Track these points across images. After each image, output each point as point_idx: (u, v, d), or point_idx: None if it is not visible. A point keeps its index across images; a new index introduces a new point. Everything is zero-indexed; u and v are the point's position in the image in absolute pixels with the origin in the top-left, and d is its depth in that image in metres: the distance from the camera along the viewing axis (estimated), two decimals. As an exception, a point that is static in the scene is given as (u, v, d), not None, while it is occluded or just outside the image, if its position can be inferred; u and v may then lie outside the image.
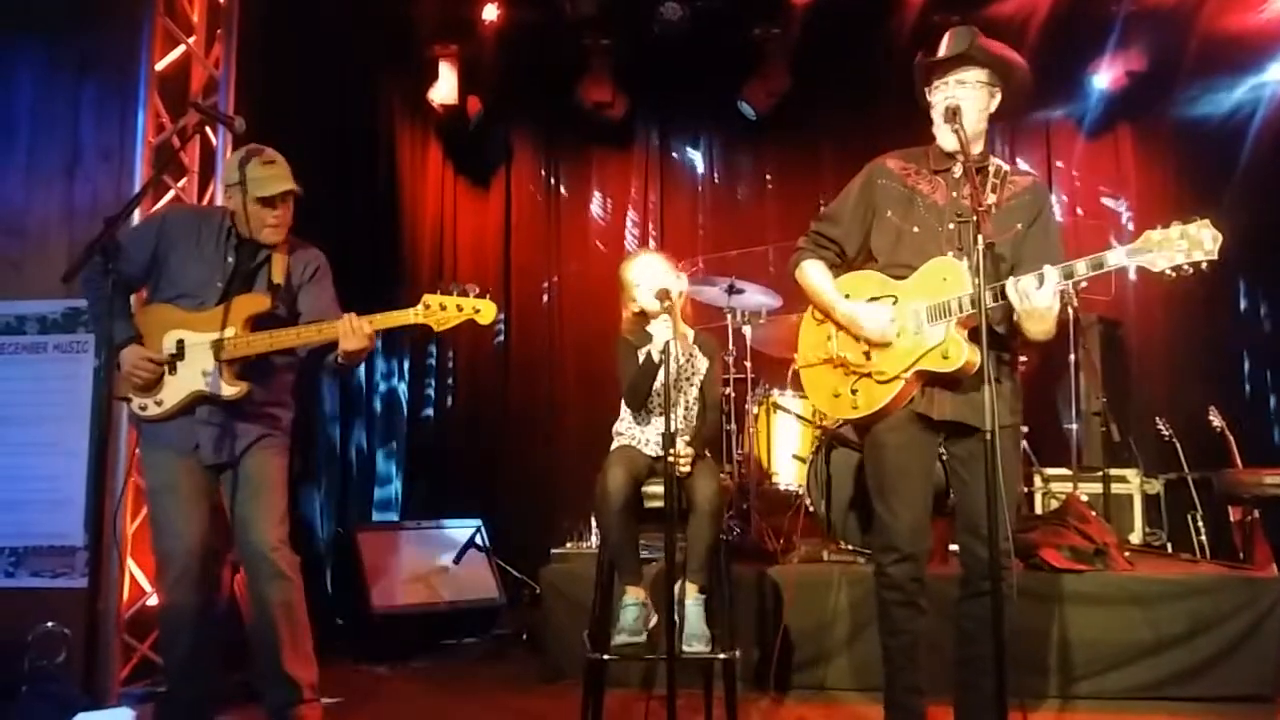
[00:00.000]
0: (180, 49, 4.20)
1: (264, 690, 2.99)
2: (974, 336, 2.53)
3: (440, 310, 2.85)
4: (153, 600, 3.85)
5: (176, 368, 2.92)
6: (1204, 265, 2.37)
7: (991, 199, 2.71)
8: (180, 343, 2.93)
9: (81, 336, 4.03)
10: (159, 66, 4.09)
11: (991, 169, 2.77)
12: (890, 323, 2.73)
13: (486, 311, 2.88)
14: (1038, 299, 2.51)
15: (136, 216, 3.75)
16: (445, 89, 5.94)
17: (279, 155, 3.02)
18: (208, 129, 4.19)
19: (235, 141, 4.11)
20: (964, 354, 2.61)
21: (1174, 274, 2.40)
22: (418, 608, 4.72)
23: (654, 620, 3.06)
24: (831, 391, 2.86)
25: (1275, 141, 5.56)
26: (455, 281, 2.92)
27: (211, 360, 2.90)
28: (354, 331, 2.83)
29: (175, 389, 2.92)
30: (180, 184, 4.15)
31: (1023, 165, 5.74)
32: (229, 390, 2.90)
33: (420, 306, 2.85)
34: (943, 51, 2.76)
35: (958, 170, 2.76)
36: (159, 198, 4.08)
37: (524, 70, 6.23)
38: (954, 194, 2.76)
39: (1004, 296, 2.57)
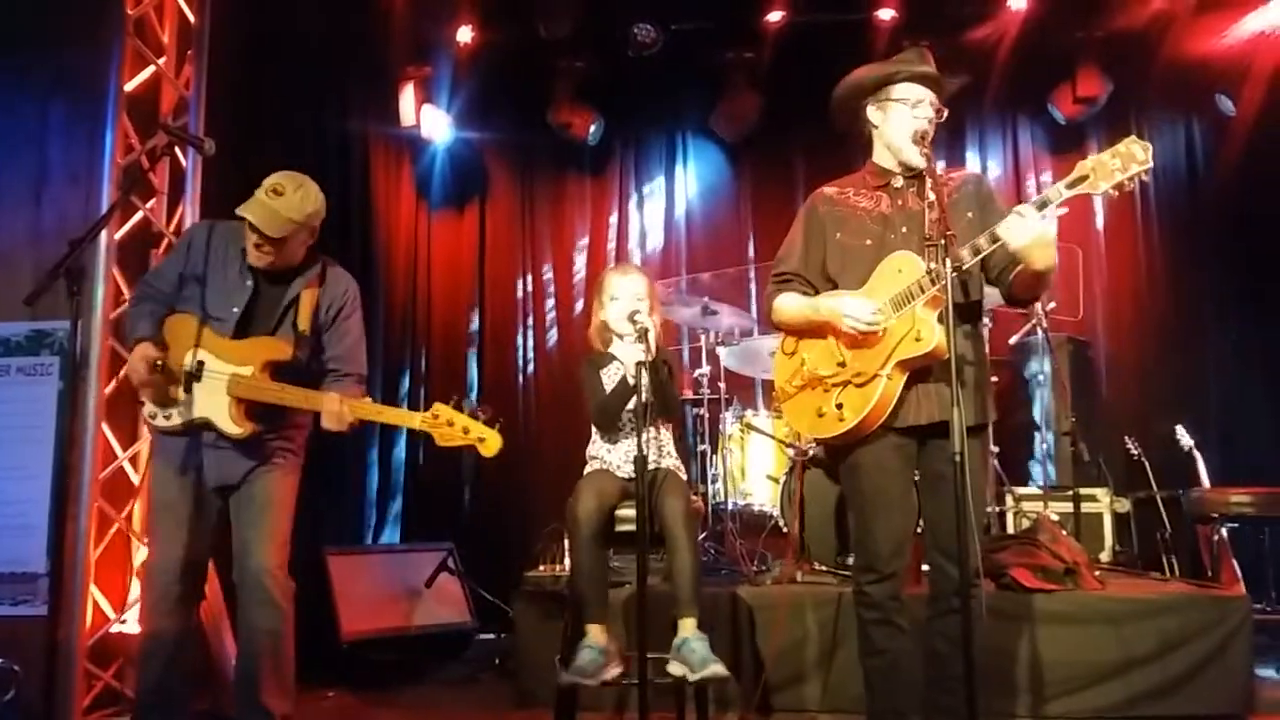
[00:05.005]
0: (150, 70, 4.18)
1: (237, 717, 2.94)
2: (943, 319, 2.54)
3: (447, 426, 2.83)
4: (116, 628, 3.79)
5: (192, 387, 2.88)
6: (1144, 175, 2.41)
7: (931, 198, 2.76)
8: (201, 364, 2.89)
9: (45, 359, 3.97)
10: (128, 87, 4.06)
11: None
12: (872, 304, 2.69)
13: (491, 443, 2.84)
14: (1035, 222, 2.50)
15: (103, 239, 3.74)
16: (418, 111, 5.95)
17: (298, 190, 2.90)
18: (177, 150, 4.16)
19: (205, 163, 4.13)
20: (936, 334, 2.62)
21: (1116, 192, 2.45)
22: (388, 632, 4.66)
23: (614, 672, 2.97)
24: (815, 412, 2.83)
25: (1237, 165, 5.66)
26: (470, 399, 2.89)
27: (224, 393, 2.86)
28: (337, 418, 2.83)
29: (187, 409, 2.88)
30: (149, 205, 4.12)
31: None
32: (235, 429, 2.86)
33: (429, 414, 2.84)
34: (923, 68, 2.82)
35: (898, 182, 2.83)
36: (126, 219, 4.05)
37: (498, 92, 6.26)
38: (899, 203, 2.81)
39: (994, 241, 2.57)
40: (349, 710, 4.06)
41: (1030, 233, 2.51)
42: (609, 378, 3.18)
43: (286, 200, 2.88)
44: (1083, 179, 2.46)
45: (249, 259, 2.96)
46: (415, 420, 2.85)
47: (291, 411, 2.99)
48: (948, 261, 2.47)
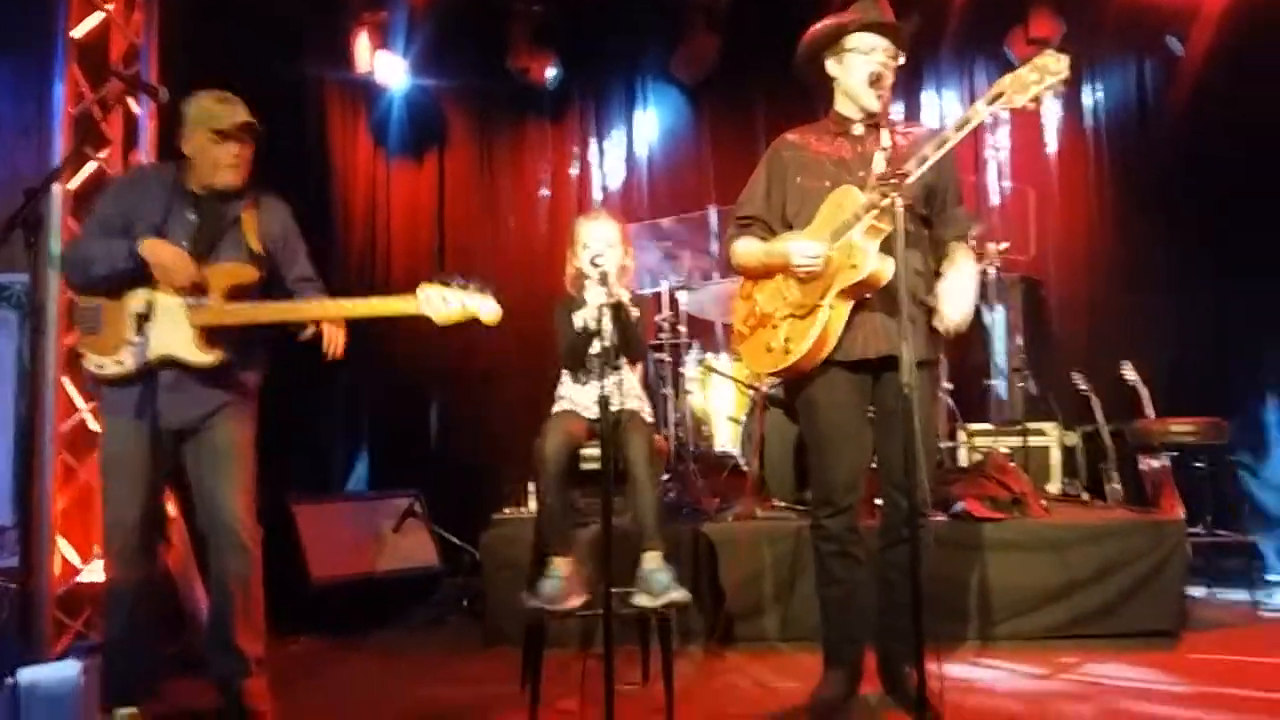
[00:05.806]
0: (99, 16, 4.09)
1: (211, 660, 3.00)
2: (884, 249, 2.68)
3: (442, 303, 2.82)
4: (83, 577, 3.82)
5: (143, 328, 2.86)
6: (1061, 86, 2.50)
7: (888, 142, 2.84)
8: (150, 303, 2.87)
9: (3, 313, 3.94)
10: (76, 34, 3.98)
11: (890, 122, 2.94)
12: (819, 245, 2.79)
13: (491, 312, 2.85)
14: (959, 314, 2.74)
15: (57, 190, 3.69)
16: (373, 58, 5.86)
17: (233, 94, 2.99)
18: (130, 99, 4.10)
19: (158, 111, 4.07)
20: (870, 260, 2.71)
21: (1034, 105, 2.54)
22: (356, 576, 4.72)
23: (576, 601, 3.05)
24: (765, 348, 2.94)
25: (1187, 105, 5.74)
26: (455, 274, 2.85)
27: (185, 324, 2.85)
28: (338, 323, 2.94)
29: (140, 350, 2.85)
30: (102, 155, 4.06)
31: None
32: (202, 358, 2.86)
33: (418, 297, 2.82)
34: (875, 16, 2.87)
35: (857, 129, 2.92)
36: (79, 168, 3.99)
37: (455, 37, 6.17)
38: (858, 149, 2.90)
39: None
40: (318, 655, 4.12)
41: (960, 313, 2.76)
42: (580, 320, 3.24)
43: (239, 102, 2.99)
44: (1000, 95, 2.55)
45: (230, 179, 2.97)
46: (411, 305, 2.83)
47: (256, 339, 3.02)
48: (898, 200, 2.55)
